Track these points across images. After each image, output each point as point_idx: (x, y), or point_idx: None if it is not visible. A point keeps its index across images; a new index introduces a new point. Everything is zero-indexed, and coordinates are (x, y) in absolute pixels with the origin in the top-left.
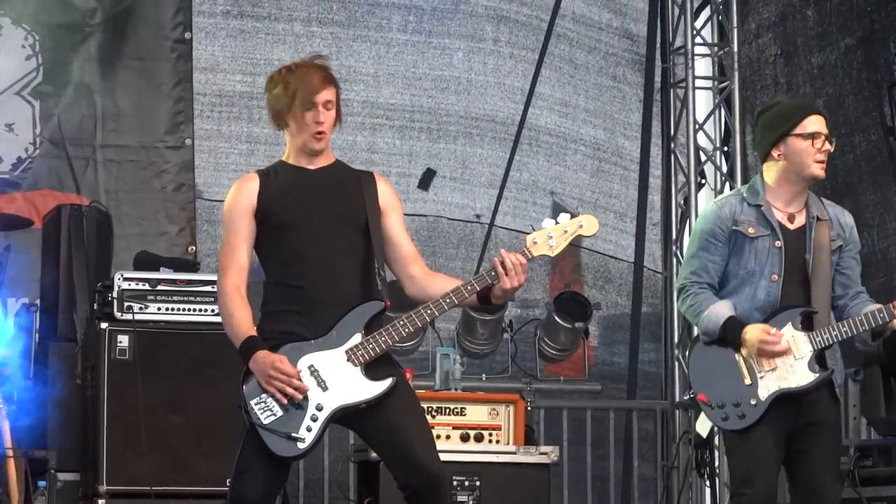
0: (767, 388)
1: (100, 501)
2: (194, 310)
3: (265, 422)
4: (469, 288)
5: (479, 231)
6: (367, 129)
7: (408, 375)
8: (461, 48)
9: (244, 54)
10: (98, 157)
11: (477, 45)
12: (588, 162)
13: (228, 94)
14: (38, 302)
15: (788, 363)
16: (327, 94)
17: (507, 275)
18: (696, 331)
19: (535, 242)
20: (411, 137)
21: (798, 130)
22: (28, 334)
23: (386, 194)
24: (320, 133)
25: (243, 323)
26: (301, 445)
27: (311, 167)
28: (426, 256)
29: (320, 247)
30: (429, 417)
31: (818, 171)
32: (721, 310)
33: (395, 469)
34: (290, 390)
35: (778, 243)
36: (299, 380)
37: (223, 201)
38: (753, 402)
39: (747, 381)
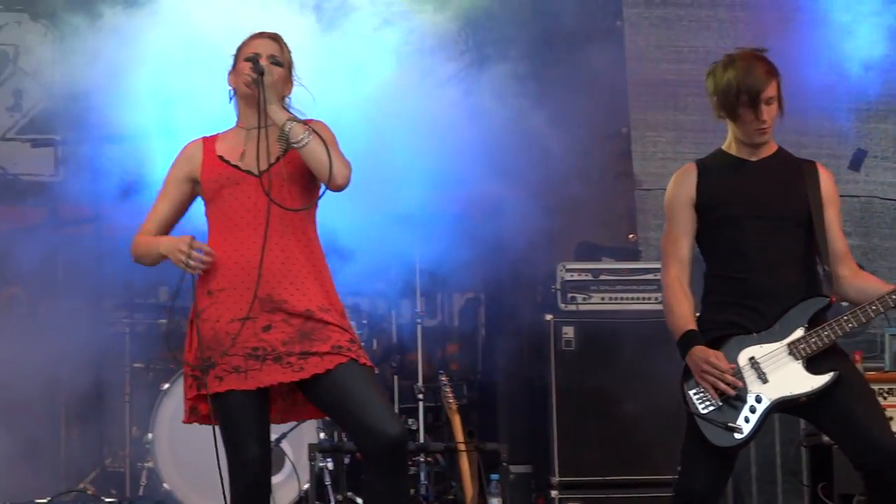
0: None
1: (552, 492)
2: (638, 298)
3: (703, 412)
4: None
5: None
6: (797, 113)
7: (856, 358)
8: (887, 27)
9: (669, 42)
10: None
11: None
12: None
13: (654, 82)
14: (482, 296)
15: None
16: (771, 91)
17: None
18: None
19: None
20: (840, 119)
21: None
22: (475, 329)
23: (828, 187)
24: (763, 129)
25: (682, 317)
26: (738, 436)
27: (753, 158)
28: (859, 238)
29: (762, 241)
30: (880, 399)
31: None
32: None
33: (850, 451)
34: (721, 385)
35: None
36: (734, 376)
37: (651, 190)
38: None
39: None
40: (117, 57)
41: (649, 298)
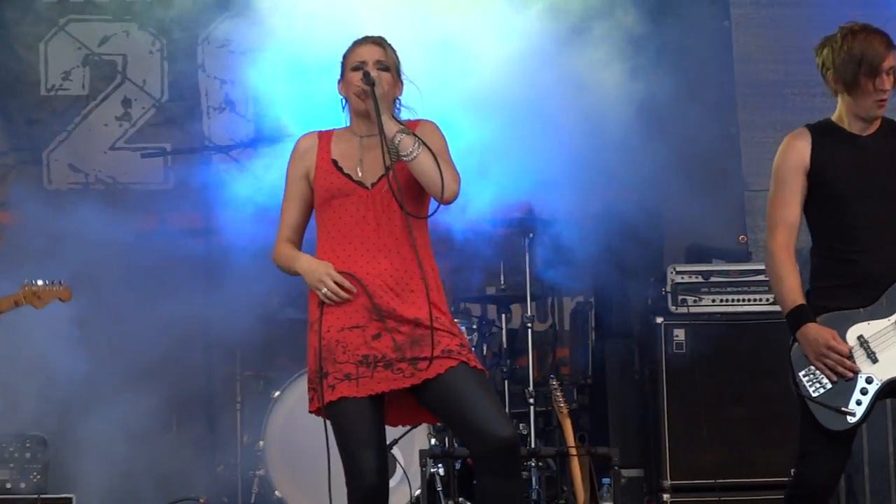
0: None
1: (664, 496)
2: (749, 300)
3: (814, 395)
4: None
5: None
6: None
7: None
8: None
9: (776, 42)
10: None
11: None
12: None
13: (761, 83)
14: (592, 300)
15: None
16: (891, 61)
17: None
18: None
19: None
20: None
21: None
22: (585, 332)
23: None
24: (883, 100)
25: (792, 290)
26: (851, 419)
27: (864, 134)
28: None
29: (872, 221)
30: None
31: None
32: None
33: None
34: (841, 370)
35: None
36: (851, 358)
37: (760, 191)
38: None
39: None
40: (225, 66)
41: (760, 300)
